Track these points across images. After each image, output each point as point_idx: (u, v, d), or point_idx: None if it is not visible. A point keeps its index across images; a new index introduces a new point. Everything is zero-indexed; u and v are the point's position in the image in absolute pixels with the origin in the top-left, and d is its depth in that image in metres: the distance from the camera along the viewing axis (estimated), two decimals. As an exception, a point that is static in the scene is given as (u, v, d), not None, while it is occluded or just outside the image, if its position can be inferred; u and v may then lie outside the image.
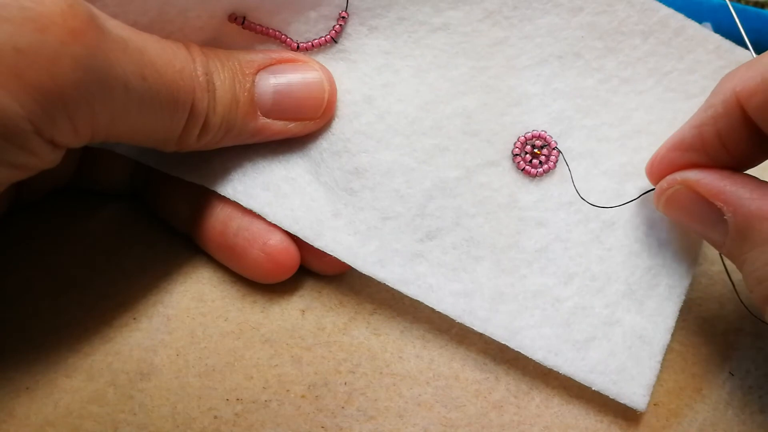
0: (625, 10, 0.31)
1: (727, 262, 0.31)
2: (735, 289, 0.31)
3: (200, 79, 0.26)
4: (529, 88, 0.30)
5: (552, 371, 0.29)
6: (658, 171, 0.29)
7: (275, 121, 0.28)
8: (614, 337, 0.29)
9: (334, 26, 0.30)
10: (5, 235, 0.30)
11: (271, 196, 0.29)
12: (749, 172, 0.27)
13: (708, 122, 0.26)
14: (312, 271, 0.30)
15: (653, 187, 0.29)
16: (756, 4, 0.43)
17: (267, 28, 0.29)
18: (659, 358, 0.29)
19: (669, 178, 0.28)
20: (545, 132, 0.30)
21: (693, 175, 0.27)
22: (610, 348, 0.29)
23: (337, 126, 0.30)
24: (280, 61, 0.29)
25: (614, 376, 0.28)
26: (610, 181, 0.30)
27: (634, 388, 0.28)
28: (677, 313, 0.30)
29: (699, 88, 0.31)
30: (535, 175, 0.30)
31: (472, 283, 0.29)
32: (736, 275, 0.31)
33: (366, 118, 0.29)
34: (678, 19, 0.31)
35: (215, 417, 0.27)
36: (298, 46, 0.30)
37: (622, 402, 0.28)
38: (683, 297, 0.30)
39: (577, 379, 0.28)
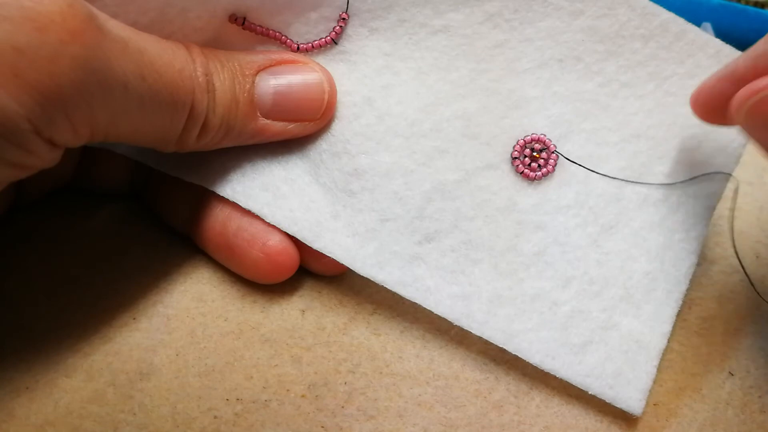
0: (626, 14, 0.30)
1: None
2: (747, 276, 0.31)
3: (200, 79, 0.26)
4: (528, 91, 0.30)
5: (552, 372, 0.29)
6: (705, 101, 0.28)
7: (275, 122, 0.28)
8: (611, 341, 0.29)
9: (334, 27, 0.30)
10: (5, 235, 0.30)
11: (270, 196, 0.29)
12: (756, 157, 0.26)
13: (766, 53, 0.26)
14: (311, 271, 0.30)
15: (711, 171, 0.28)
16: (756, 4, 0.43)
17: (267, 28, 0.29)
18: (656, 362, 0.29)
19: (750, 87, 0.25)
20: (545, 135, 0.30)
21: None
22: (607, 352, 0.29)
23: (337, 127, 0.29)
24: (280, 62, 0.28)
25: (610, 381, 0.28)
26: (609, 184, 0.30)
27: (630, 392, 0.28)
28: (674, 317, 0.30)
29: None
30: (534, 179, 0.30)
31: (470, 286, 0.29)
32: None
33: (366, 120, 0.29)
34: (679, 23, 0.31)
35: (215, 417, 0.27)
36: (298, 47, 0.30)
37: (618, 406, 0.28)
38: (680, 302, 0.30)
39: (573, 383, 0.28)
